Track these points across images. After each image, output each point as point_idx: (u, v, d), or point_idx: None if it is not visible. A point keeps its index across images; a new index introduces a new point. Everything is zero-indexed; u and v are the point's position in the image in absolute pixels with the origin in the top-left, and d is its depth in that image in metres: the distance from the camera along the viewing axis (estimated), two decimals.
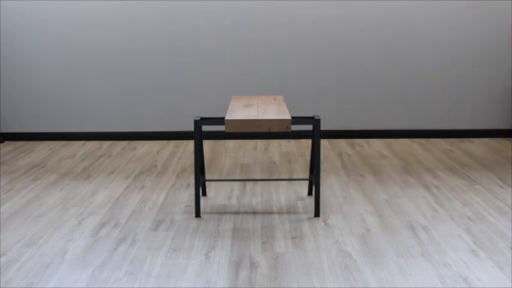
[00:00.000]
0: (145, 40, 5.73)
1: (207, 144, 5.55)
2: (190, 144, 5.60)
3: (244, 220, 3.63)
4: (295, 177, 4.57)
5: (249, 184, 4.37)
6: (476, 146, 5.54)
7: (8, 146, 5.69)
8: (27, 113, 5.90)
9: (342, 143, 5.68)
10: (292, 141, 5.78)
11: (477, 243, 3.25)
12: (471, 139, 5.84)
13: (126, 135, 5.90)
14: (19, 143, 5.80)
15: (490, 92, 5.87)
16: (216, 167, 4.88)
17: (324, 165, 4.87)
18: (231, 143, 5.73)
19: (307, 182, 4.28)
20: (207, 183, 4.26)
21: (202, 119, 3.66)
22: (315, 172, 3.67)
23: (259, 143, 5.75)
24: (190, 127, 5.58)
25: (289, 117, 3.40)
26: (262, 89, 5.64)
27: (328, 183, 4.37)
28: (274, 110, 3.63)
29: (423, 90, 5.81)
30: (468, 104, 5.88)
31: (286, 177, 4.57)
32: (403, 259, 3.04)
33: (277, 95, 4.32)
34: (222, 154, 5.32)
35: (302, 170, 4.77)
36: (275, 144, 5.66)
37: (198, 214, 3.68)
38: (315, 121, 3.56)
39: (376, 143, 5.65)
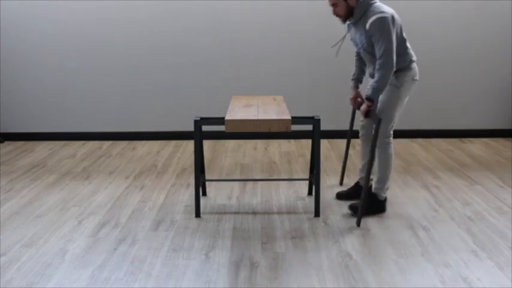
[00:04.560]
0: (145, 40, 5.73)
1: (207, 144, 5.55)
2: (190, 144, 5.60)
3: (244, 220, 3.63)
4: (295, 177, 4.57)
5: (249, 184, 4.37)
6: (476, 146, 5.54)
7: (8, 146, 5.68)
8: (27, 113, 5.90)
9: (341, 143, 5.67)
10: (292, 141, 5.78)
11: (477, 243, 3.25)
12: (471, 139, 5.84)
13: (126, 135, 5.90)
14: (19, 143, 5.80)
15: (490, 92, 5.87)
16: (216, 167, 4.88)
17: (324, 165, 4.87)
18: (231, 143, 5.73)
19: (307, 182, 4.28)
20: (207, 183, 4.26)
21: (202, 119, 3.65)
22: (315, 172, 3.66)
23: (259, 143, 5.75)
24: (190, 127, 5.58)
25: (289, 117, 3.39)
26: (262, 89, 5.63)
27: (328, 184, 4.37)
28: (274, 110, 3.63)
29: (423, 90, 5.80)
30: (468, 104, 5.88)
31: (286, 177, 4.57)
32: (403, 259, 3.04)
33: (277, 95, 4.32)
34: (222, 154, 5.32)
35: (302, 170, 4.77)
36: (275, 144, 5.66)
37: (198, 214, 3.68)
38: (315, 121, 3.56)
39: None
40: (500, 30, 5.71)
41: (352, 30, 3.60)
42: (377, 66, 3.40)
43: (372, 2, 3.46)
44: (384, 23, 3.35)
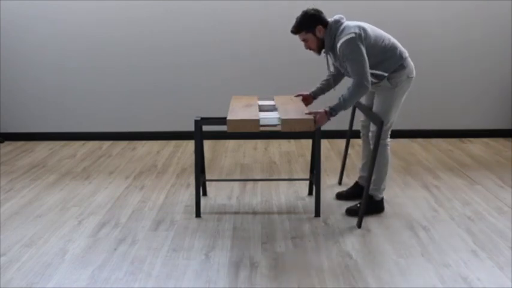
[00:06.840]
0: (145, 40, 5.73)
1: (207, 144, 5.55)
2: (190, 144, 5.60)
3: (244, 220, 3.63)
4: (295, 177, 4.57)
5: (249, 184, 4.37)
6: (476, 146, 5.54)
7: (8, 146, 5.68)
8: (27, 113, 5.90)
9: (341, 143, 5.67)
10: (292, 141, 5.78)
11: (477, 243, 3.25)
12: (471, 139, 5.84)
13: (126, 135, 5.90)
14: (19, 143, 5.80)
15: (490, 92, 5.87)
16: (216, 167, 4.88)
17: (324, 165, 4.87)
18: (231, 143, 5.73)
19: (307, 182, 4.28)
20: (207, 183, 4.26)
21: (202, 119, 3.66)
22: (315, 172, 3.66)
23: (259, 143, 5.75)
24: (190, 127, 5.60)
25: (312, 117, 3.41)
26: (262, 89, 5.63)
27: (329, 184, 4.37)
28: (294, 110, 3.62)
29: (423, 90, 5.81)
30: (468, 104, 5.88)
31: (286, 177, 4.57)
32: (403, 259, 3.04)
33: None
34: (222, 154, 5.32)
35: (302, 170, 4.77)
36: (275, 144, 5.66)
37: (198, 214, 3.68)
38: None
39: None
40: (500, 30, 5.70)
41: (331, 56, 3.61)
42: (352, 84, 3.38)
43: (339, 24, 3.45)
44: (351, 44, 3.32)
